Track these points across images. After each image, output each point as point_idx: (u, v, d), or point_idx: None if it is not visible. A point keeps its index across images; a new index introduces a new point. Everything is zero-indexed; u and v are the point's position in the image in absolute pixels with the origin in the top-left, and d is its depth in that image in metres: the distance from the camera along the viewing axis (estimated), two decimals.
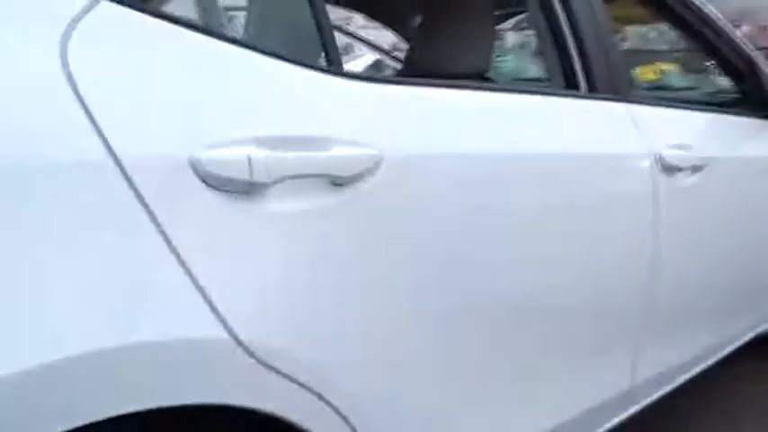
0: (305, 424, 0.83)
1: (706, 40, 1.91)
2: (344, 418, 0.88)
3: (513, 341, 1.16)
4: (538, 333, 1.21)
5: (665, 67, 3.30)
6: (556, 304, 1.22)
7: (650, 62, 3.40)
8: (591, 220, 1.29)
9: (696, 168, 1.53)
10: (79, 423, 0.64)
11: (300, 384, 0.82)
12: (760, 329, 2.08)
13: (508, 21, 3.23)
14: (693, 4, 1.80)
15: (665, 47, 3.58)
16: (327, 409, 0.86)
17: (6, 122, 0.64)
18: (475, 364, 1.10)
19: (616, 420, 1.47)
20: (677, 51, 3.19)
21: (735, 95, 2.04)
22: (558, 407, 1.29)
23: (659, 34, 3.81)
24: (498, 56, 2.92)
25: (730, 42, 1.90)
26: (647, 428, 1.67)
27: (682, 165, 1.48)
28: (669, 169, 1.45)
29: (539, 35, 1.50)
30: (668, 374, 1.64)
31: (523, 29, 3.16)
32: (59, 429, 0.63)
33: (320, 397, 0.84)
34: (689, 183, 1.51)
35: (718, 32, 1.89)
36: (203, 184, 0.75)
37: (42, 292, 0.63)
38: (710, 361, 1.83)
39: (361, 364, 0.90)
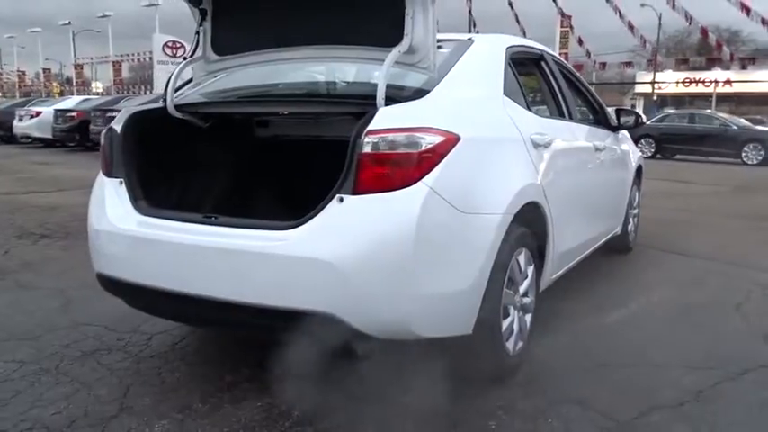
0: (544, 207, 2.74)
1: (583, 96, 4.17)
2: (550, 214, 2.80)
3: (593, 203, 3.53)
4: (598, 204, 3.62)
5: None
6: (596, 197, 3.59)
7: None
8: (592, 169, 3.43)
9: (602, 150, 3.71)
10: None
11: (548, 203, 2.73)
12: (612, 233, 4.37)
13: None
14: (581, 79, 4.05)
15: None
16: (548, 214, 2.77)
17: (496, 128, 2.54)
18: (584, 211, 3.36)
19: (601, 242, 3.87)
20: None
21: (594, 119, 4.32)
22: (599, 229, 3.72)
23: None
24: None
25: (593, 96, 4.20)
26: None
27: (600, 147, 3.64)
28: (598, 150, 3.61)
29: (551, 98, 3.54)
30: (595, 239, 3.80)
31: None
32: None
33: (549, 209, 2.75)
34: (602, 155, 3.69)
35: (590, 93, 4.17)
36: (532, 144, 2.67)
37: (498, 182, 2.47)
38: (603, 240, 4.04)
39: (559, 203, 2.86)
